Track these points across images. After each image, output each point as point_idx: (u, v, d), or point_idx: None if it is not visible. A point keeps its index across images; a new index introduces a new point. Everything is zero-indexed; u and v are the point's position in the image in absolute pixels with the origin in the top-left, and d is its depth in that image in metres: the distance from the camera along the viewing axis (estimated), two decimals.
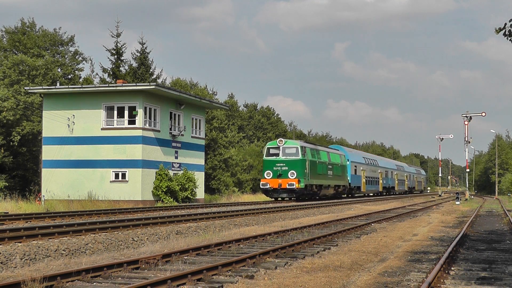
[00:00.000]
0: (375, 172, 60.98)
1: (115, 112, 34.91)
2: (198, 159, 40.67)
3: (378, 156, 78.37)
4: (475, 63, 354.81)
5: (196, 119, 41.11)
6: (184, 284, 9.04)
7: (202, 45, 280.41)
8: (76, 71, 52.08)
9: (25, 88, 39.64)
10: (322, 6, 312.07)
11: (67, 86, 38.80)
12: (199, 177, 39.25)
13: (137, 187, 33.80)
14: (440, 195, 79.25)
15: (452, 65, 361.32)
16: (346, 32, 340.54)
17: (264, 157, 38.34)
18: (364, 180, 55.45)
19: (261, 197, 47.72)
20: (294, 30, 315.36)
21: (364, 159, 57.74)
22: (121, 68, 50.95)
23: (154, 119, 35.52)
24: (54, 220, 17.62)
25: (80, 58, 52.91)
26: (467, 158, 66.42)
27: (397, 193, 75.38)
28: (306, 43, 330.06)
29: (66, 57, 52.25)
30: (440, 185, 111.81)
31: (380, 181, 63.23)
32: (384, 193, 67.40)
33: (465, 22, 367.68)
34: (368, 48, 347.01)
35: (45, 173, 35.45)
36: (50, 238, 13.65)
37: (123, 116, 34.74)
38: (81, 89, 35.98)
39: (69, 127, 34.97)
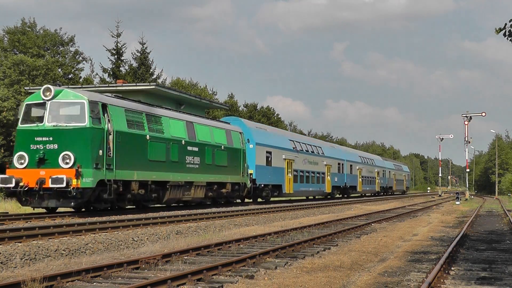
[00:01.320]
0: (316, 164, 42.22)
1: None
2: None
3: (324, 142, 55.91)
4: (474, 63, 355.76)
5: None
6: (184, 284, 9.04)
7: (202, 45, 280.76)
8: (76, 71, 52.13)
9: (25, 88, 39.62)
10: (321, 6, 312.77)
11: (67, 86, 38.78)
12: None
13: None
14: (440, 195, 79.26)
15: (451, 65, 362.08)
16: (345, 32, 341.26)
17: (19, 125, 19.48)
18: (290, 176, 36.37)
19: None
20: (293, 30, 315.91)
21: (292, 144, 38.42)
22: (121, 68, 50.96)
23: None
24: (54, 220, 17.60)
25: (80, 58, 52.97)
26: (467, 158, 66.46)
27: (363, 194, 59.71)
28: (305, 43, 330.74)
29: (66, 57, 52.30)
30: (440, 185, 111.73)
31: (328, 178, 44.72)
32: (337, 195, 50.65)
33: (464, 22, 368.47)
34: (367, 48, 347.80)
35: None
36: (50, 238, 13.64)
37: None
38: (81, 89, 35.96)
39: None
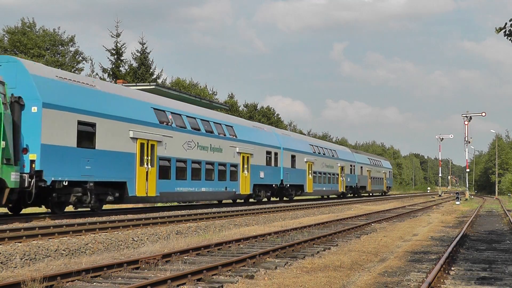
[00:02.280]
0: (218, 152, 27.63)
1: None
2: None
3: (242, 119, 37.04)
4: (474, 63, 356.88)
5: None
6: (184, 284, 9.04)
7: (201, 45, 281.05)
8: (76, 71, 52.12)
9: None
10: (320, 6, 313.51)
11: None
12: None
13: None
14: (440, 195, 79.25)
15: (450, 65, 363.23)
16: (344, 32, 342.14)
17: None
18: (150, 167, 22.43)
19: None
20: (293, 30, 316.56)
21: (159, 115, 23.95)
22: (121, 68, 50.94)
23: None
24: (54, 220, 17.61)
25: (80, 58, 52.98)
26: (467, 158, 66.46)
27: (324, 196, 48.73)
28: (304, 43, 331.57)
29: (66, 57, 52.30)
30: (440, 185, 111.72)
31: (244, 174, 30.09)
32: (265, 198, 34.72)
33: (463, 22, 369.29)
34: (366, 48, 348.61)
35: None
36: (50, 238, 13.66)
37: None
38: None
39: None
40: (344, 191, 49.86)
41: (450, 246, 13.88)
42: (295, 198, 40.87)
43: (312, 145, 43.38)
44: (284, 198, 38.61)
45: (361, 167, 56.39)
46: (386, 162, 75.51)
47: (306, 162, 39.97)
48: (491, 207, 43.71)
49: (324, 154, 45.10)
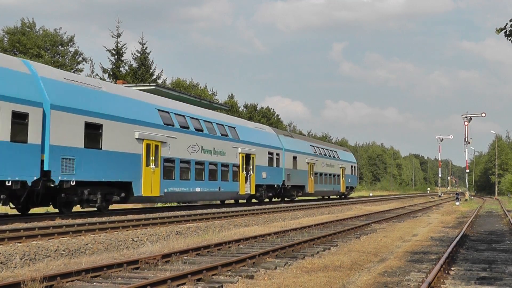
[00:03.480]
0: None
1: None
2: None
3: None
4: (473, 63, 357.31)
5: None
6: (184, 284, 9.04)
7: (200, 45, 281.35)
8: (76, 72, 52.15)
9: None
10: (320, 6, 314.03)
11: None
12: None
13: None
14: (439, 196, 79.24)
15: (450, 65, 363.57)
16: (344, 32, 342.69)
17: None
18: None
19: None
20: (292, 30, 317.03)
21: None
22: (121, 69, 50.94)
23: None
24: (54, 220, 17.61)
25: (80, 58, 52.98)
26: (467, 159, 66.45)
27: (201, 201, 31.36)
28: (303, 43, 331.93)
29: (66, 57, 52.30)
30: (440, 185, 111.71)
31: None
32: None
33: (463, 22, 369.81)
34: (365, 48, 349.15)
35: None
36: (50, 238, 13.65)
37: None
38: None
39: None
40: (253, 193, 31.19)
41: (450, 246, 13.89)
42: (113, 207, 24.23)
43: (159, 110, 23.63)
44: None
45: (295, 158, 37.67)
46: (347, 154, 54.70)
47: (143, 140, 21.61)
48: (491, 207, 43.72)
49: (201, 130, 26.52)
